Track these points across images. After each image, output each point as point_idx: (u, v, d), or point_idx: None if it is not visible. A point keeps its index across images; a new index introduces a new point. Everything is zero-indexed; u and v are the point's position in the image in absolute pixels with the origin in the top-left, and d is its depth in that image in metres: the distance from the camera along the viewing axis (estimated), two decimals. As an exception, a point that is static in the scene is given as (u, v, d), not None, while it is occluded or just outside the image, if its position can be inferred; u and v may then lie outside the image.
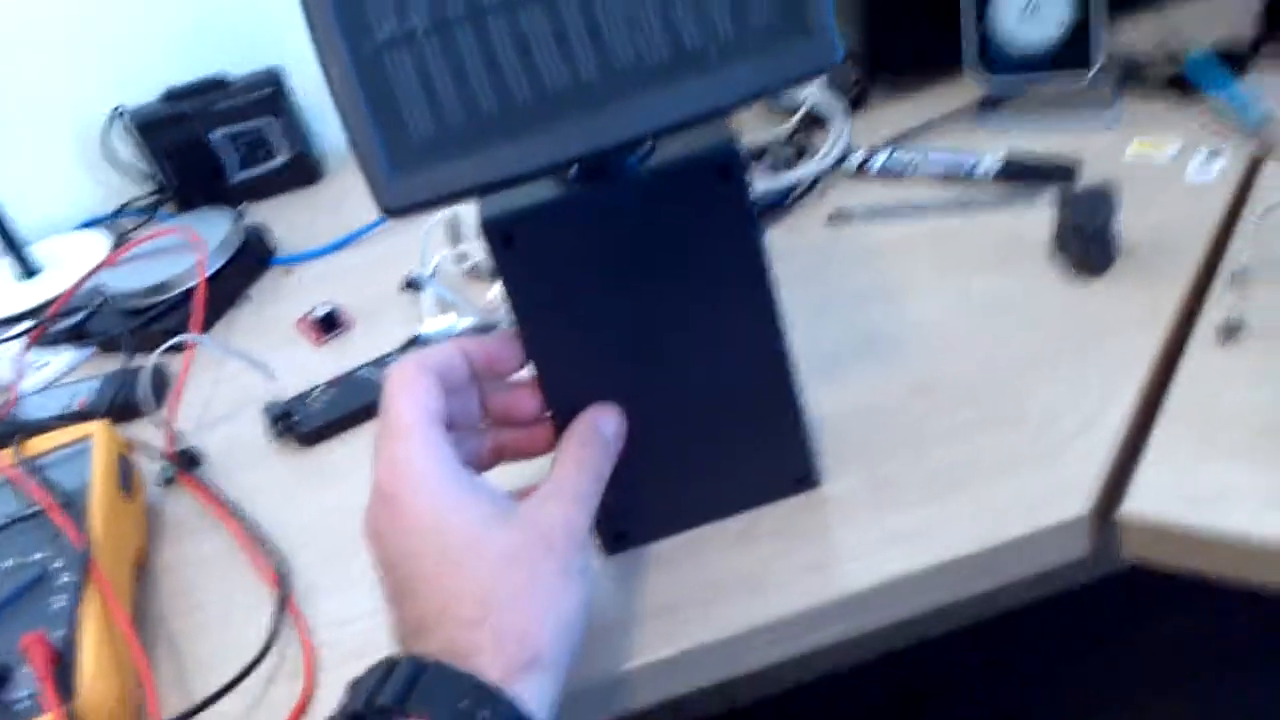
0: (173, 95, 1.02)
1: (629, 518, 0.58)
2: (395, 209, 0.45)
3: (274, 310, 0.90)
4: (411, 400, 0.49)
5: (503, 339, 0.53)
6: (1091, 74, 0.79)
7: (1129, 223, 0.69)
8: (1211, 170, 0.74)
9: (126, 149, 1.07)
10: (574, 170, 0.49)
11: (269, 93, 1.02)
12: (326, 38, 0.44)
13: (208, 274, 0.88)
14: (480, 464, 0.54)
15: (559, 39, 0.45)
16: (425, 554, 0.46)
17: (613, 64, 0.46)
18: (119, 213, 1.09)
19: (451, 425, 0.51)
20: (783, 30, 0.46)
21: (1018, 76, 0.82)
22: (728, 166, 0.50)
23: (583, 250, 0.50)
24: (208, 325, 0.87)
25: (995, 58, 0.81)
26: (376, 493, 0.49)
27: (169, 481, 0.73)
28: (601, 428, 0.53)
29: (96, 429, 0.69)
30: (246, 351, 0.80)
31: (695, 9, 0.46)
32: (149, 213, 1.08)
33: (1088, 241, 0.66)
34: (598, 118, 0.45)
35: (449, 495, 0.47)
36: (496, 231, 0.49)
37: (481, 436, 0.55)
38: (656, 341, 0.53)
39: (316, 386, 0.76)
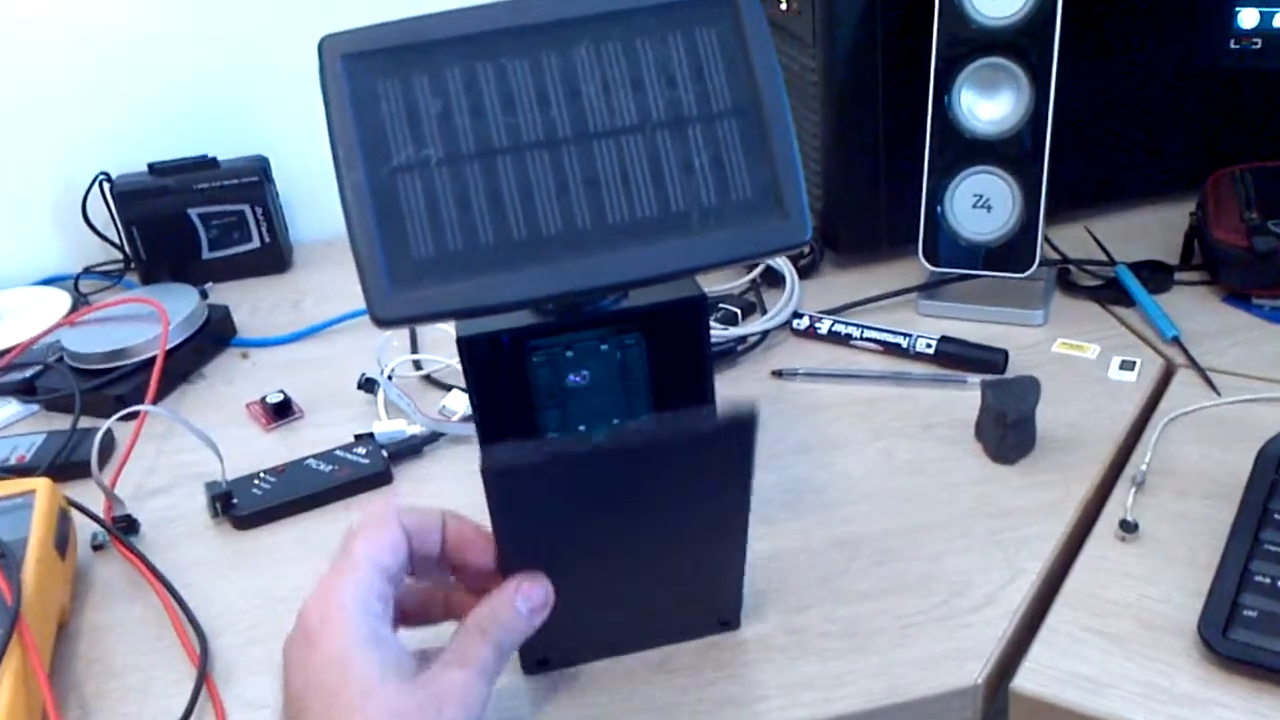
0: (158, 169, 1.05)
1: (553, 645, 0.60)
2: (387, 320, 0.48)
3: (226, 390, 0.92)
4: (369, 545, 0.51)
5: (484, 535, 0.53)
6: (1029, 273, 0.86)
7: (1048, 414, 0.74)
8: (1127, 376, 0.80)
9: (103, 215, 1.09)
10: (552, 304, 0.53)
11: (254, 179, 1.06)
12: (347, 155, 0.48)
13: (167, 347, 0.90)
14: (431, 615, 0.56)
15: (559, 187, 0.50)
16: (322, 691, 0.47)
17: (605, 216, 0.50)
18: (83, 274, 1.11)
19: (413, 573, 0.53)
20: (760, 207, 0.51)
21: (962, 271, 0.88)
22: (695, 313, 0.55)
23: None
24: (159, 397, 0.89)
25: (943, 246, 0.88)
26: (300, 618, 0.50)
27: (100, 546, 0.74)
28: (519, 605, 0.51)
29: (41, 485, 0.70)
30: (197, 428, 0.82)
31: (684, 178, 0.51)
32: (114, 279, 1.10)
33: (1008, 429, 0.71)
34: (585, 262, 0.50)
35: (361, 642, 0.47)
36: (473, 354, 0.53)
37: (440, 588, 0.56)
38: (619, 509, 0.51)
39: (260, 471, 0.78)
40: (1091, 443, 0.74)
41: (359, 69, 0.49)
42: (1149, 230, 0.99)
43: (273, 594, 0.69)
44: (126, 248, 1.08)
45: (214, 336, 0.97)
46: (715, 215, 0.51)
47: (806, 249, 0.98)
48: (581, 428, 0.59)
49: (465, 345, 0.54)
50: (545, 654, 0.60)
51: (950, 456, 0.74)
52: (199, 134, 1.09)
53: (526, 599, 0.51)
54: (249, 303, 1.04)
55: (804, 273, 0.97)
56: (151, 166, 1.06)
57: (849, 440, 0.77)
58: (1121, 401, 0.78)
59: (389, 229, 0.49)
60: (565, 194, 0.50)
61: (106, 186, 1.06)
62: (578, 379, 0.58)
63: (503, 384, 0.56)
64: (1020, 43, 0.82)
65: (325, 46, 0.49)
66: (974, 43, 0.83)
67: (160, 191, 1.05)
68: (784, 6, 0.95)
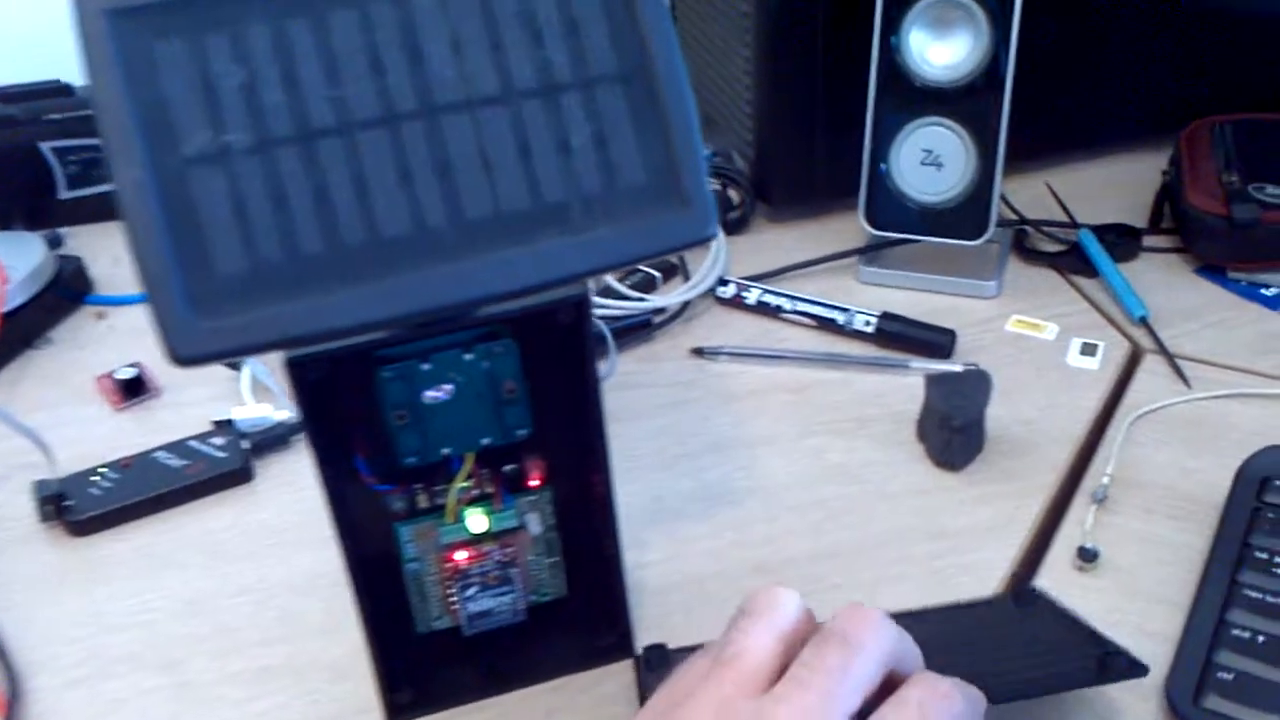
0: (2, 95, 0.92)
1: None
2: (187, 358, 0.37)
3: (75, 358, 0.80)
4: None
5: None
6: (982, 241, 0.76)
7: (999, 408, 0.66)
8: (1088, 362, 0.72)
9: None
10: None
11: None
12: (122, 145, 0.37)
13: (6, 309, 0.79)
14: None
15: (402, 176, 0.39)
16: None
17: (462, 210, 0.40)
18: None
19: None
20: (653, 193, 0.41)
21: (906, 235, 0.78)
22: (577, 314, 0.45)
23: None
24: (-4, 367, 0.78)
25: (887, 207, 0.78)
26: None
27: (-93, 557, 0.63)
28: None
29: None
30: (32, 410, 0.72)
31: (560, 160, 0.40)
32: (-41, 219, 0.98)
33: (953, 434, 0.62)
34: (440, 271, 0.39)
35: None
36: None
37: None
38: None
39: (103, 465, 0.67)
40: (1047, 445, 0.65)
41: (130, 31, 0.37)
42: (1117, 186, 0.89)
43: (105, 619, 0.59)
44: (-27, 183, 0.95)
45: (65, 292, 0.85)
46: (600, 206, 0.41)
47: (736, 201, 0.88)
48: (446, 450, 0.49)
49: (294, 369, 0.43)
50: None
51: (888, 460, 0.65)
52: (48, 58, 0.95)
53: None
54: (111, 252, 0.92)
55: (732, 228, 0.87)
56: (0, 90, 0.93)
57: (775, 436, 0.68)
58: (1082, 393, 0.69)
59: (184, 239, 0.37)
60: (410, 184, 0.39)
61: (-58, 115, 0.93)
62: (438, 394, 0.48)
63: (345, 408, 0.46)
64: (980, -24, 0.71)
65: (79, 2, 0.37)
66: (928, -25, 0.72)
67: (6, 122, 0.92)
68: (716, -76, 0.83)
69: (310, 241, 0.39)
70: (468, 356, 0.47)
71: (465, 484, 0.50)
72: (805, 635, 0.40)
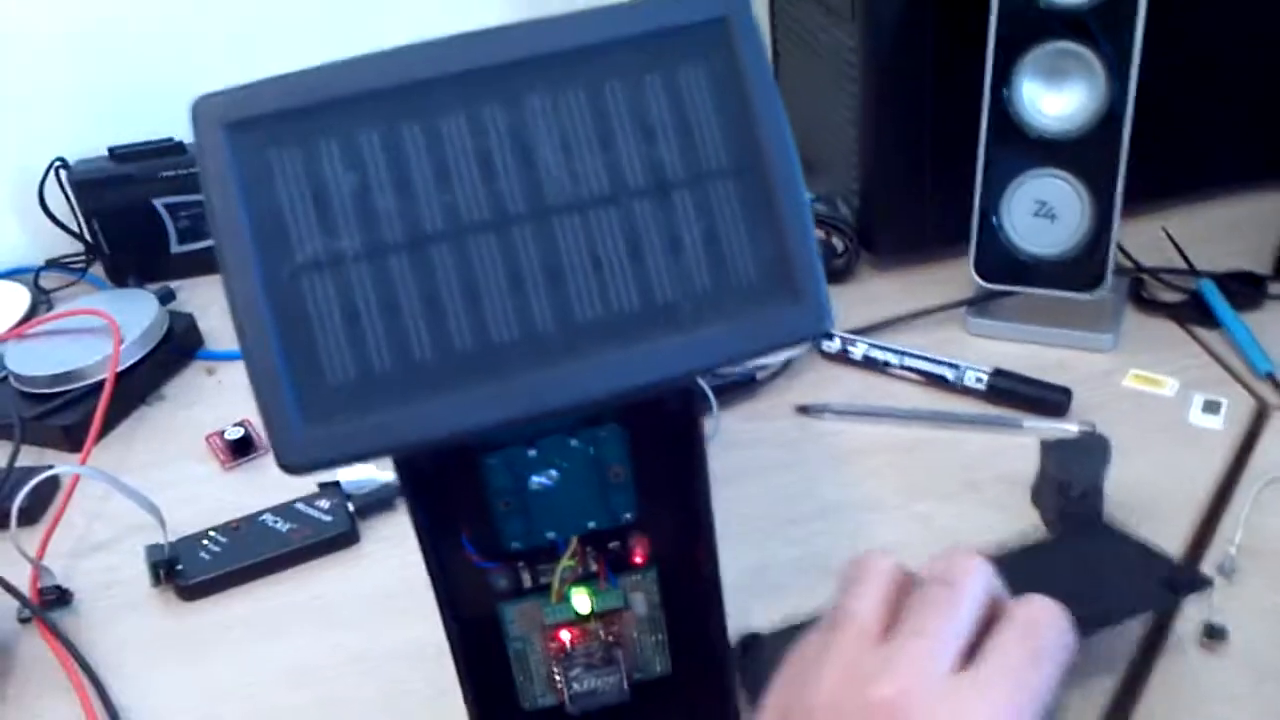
0: (119, 154, 0.95)
1: None
2: (300, 467, 0.38)
3: (186, 415, 0.82)
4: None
5: None
6: (1099, 295, 0.74)
7: (1117, 472, 0.63)
8: (1211, 421, 0.69)
9: (64, 203, 0.99)
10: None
11: (223, 165, 0.95)
12: (236, 254, 0.37)
13: (122, 366, 0.81)
14: None
15: (513, 280, 0.39)
16: None
17: (572, 313, 0.39)
18: (45, 268, 1.01)
19: None
20: (766, 290, 0.40)
21: (1019, 286, 0.76)
22: (686, 402, 0.45)
23: None
24: (112, 424, 0.80)
25: (998, 259, 0.76)
26: None
27: (26, 620, 0.65)
28: None
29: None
30: (145, 467, 0.74)
31: (671, 259, 0.40)
32: (78, 273, 1.00)
33: (1069, 502, 0.60)
34: (550, 375, 0.39)
35: None
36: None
37: None
38: None
39: (212, 529, 0.68)
40: (1168, 511, 0.63)
41: (247, 141, 0.37)
42: (1238, 229, 0.86)
43: (214, 687, 0.60)
44: (89, 240, 0.98)
45: (176, 349, 0.87)
46: (710, 303, 0.40)
47: (840, 249, 0.87)
48: (550, 535, 0.49)
49: (404, 463, 0.43)
50: None
51: (999, 526, 0.63)
52: (163, 115, 0.97)
53: None
54: (220, 304, 0.93)
55: (837, 277, 0.86)
56: (112, 151, 0.95)
57: (882, 500, 0.66)
58: (1205, 454, 0.67)
59: (296, 348, 0.37)
60: (520, 288, 0.39)
61: (63, 174, 0.96)
62: (544, 480, 0.47)
63: (450, 492, 0.46)
64: (1096, 24, 0.69)
65: (200, 113, 0.37)
66: (1041, 23, 0.70)
67: (123, 180, 0.94)
68: (818, -30, 0.82)
69: (419, 348, 0.38)
70: (574, 442, 0.47)
71: (570, 563, 0.50)
72: (907, 587, 0.41)
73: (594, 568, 0.51)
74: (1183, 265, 0.81)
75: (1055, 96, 0.71)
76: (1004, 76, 0.72)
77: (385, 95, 0.38)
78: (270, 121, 0.38)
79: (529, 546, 0.49)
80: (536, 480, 0.47)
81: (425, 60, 0.39)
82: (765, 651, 0.53)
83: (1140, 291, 0.80)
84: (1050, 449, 0.62)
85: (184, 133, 0.96)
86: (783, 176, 0.40)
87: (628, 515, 0.49)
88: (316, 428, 0.38)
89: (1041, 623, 0.39)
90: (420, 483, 0.45)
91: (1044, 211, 0.74)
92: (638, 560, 0.51)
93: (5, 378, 0.83)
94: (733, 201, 0.40)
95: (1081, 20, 0.69)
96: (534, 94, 0.39)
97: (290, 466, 0.38)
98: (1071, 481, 0.60)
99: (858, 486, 0.68)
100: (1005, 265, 0.76)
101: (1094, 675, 0.54)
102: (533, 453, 0.46)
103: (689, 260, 0.40)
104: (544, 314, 0.39)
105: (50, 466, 0.71)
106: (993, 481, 0.67)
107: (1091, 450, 0.62)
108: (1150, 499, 0.64)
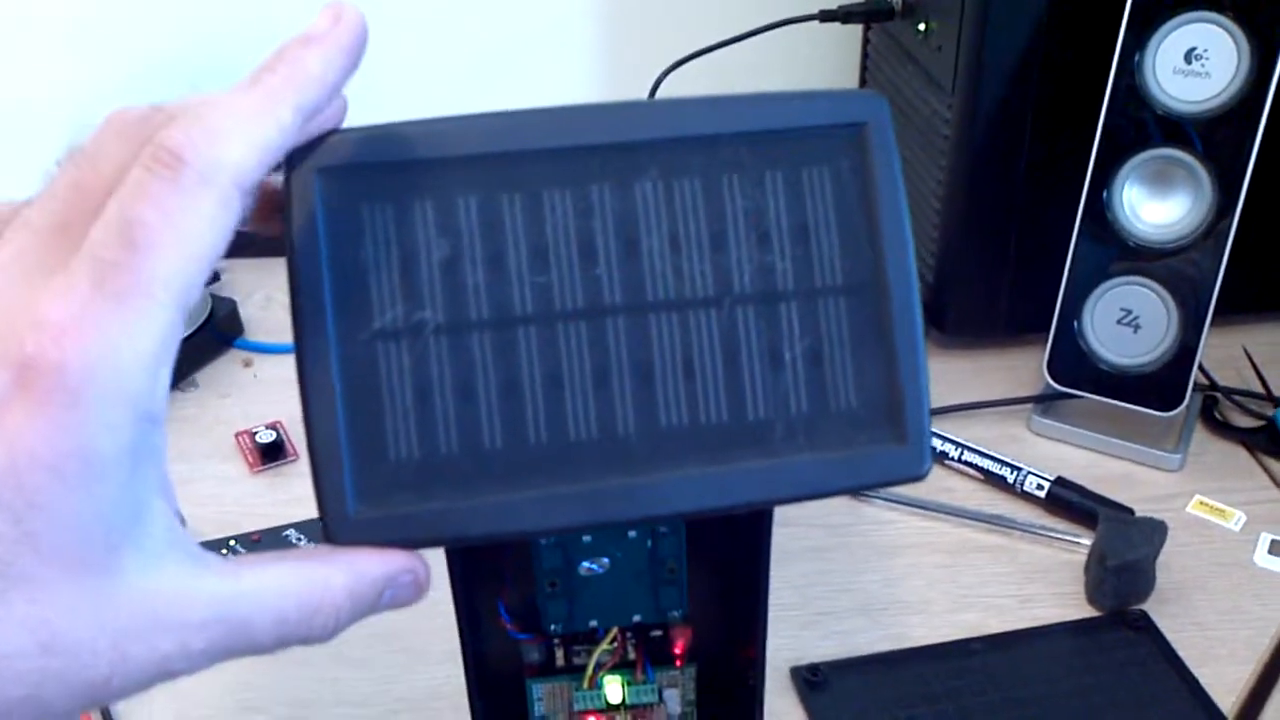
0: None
1: None
2: (346, 542, 0.35)
3: (218, 407, 0.80)
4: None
5: None
6: (1173, 414, 0.71)
7: (1172, 609, 0.61)
8: (1277, 563, 0.66)
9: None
10: None
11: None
12: (312, 309, 0.35)
13: (159, 347, 0.78)
14: None
15: (599, 375, 0.36)
16: None
17: (657, 418, 0.36)
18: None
19: None
20: (866, 423, 0.37)
21: (1092, 394, 0.73)
22: (754, 517, 0.43)
23: None
24: (142, 407, 0.77)
25: (1073, 363, 0.73)
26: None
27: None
28: None
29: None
30: (172, 459, 0.70)
31: (769, 375, 0.37)
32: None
33: (1106, 573, 0.60)
34: (624, 484, 0.36)
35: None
36: None
37: None
38: None
39: (233, 538, 0.66)
40: (1226, 660, 0.60)
41: (340, 190, 0.35)
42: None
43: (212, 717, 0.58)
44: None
45: (216, 334, 0.84)
46: (805, 429, 0.37)
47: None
48: (593, 623, 0.46)
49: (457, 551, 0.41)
50: None
51: (1043, 646, 0.60)
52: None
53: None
54: (265, 289, 0.91)
55: (900, 351, 0.83)
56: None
57: (928, 603, 0.63)
58: (1270, 600, 0.64)
59: (360, 418, 0.35)
60: (606, 385, 0.36)
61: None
62: (594, 567, 0.45)
63: (497, 562, 0.44)
64: (1211, 135, 0.66)
65: (293, 151, 0.35)
66: (1151, 129, 0.67)
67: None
68: (923, 34, 0.79)
69: (490, 436, 0.36)
70: (632, 534, 0.44)
71: (608, 648, 0.48)
72: None
73: (631, 655, 0.48)
74: (1260, 390, 0.78)
75: (1157, 205, 0.68)
76: (1105, 177, 0.69)
77: (491, 161, 0.36)
78: (368, 172, 0.35)
79: (569, 631, 0.46)
80: (586, 565, 0.45)
81: (538, 129, 0.36)
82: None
83: (1213, 412, 0.77)
84: (1106, 520, 0.61)
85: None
86: (901, 302, 0.37)
87: (676, 613, 0.46)
88: (370, 508, 0.35)
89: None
90: (467, 551, 0.42)
91: (1128, 320, 0.71)
92: (677, 653, 0.49)
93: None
94: (843, 321, 0.37)
95: (1196, 130, 0.66)
96: (646, 179, 0.36)
97: (338, 541, 0.35)
98: (1109, 552, 0.59)
99: (903, 584, 0.65)
100: (1080, 370, 0.73)
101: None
102: (587, 538, 0.44)
103: (787, 378, 0.37)
104: (627, 416, 0.36)
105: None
106: (1044, 598, 0.64)
107: (1145, 530, 0.62)
108: (1207, 642, 0.61)
